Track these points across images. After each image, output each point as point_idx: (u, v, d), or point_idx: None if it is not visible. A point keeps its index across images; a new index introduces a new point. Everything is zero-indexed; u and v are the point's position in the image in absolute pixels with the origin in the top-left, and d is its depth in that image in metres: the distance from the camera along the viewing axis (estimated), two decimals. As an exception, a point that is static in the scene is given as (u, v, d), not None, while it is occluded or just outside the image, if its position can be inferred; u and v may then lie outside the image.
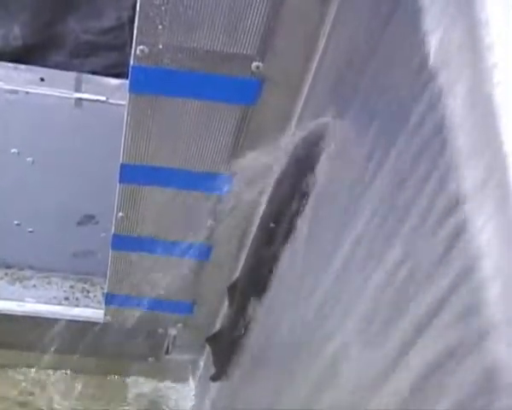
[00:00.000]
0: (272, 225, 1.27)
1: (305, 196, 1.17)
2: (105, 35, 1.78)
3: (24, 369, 2.06)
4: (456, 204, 0.64)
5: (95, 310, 1.94)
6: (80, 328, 1.91)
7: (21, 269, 2.02)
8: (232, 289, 1.51)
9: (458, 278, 0.64)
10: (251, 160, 1.23)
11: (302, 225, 1.19)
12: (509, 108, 0.58)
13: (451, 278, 0.65)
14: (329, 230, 1.03)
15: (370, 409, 0.81)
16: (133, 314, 1.80)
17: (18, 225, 1.88)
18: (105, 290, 1.77)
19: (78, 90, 1.59)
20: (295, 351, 1.16)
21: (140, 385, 2.11)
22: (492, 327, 0.57)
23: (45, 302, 1.96)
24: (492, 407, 0.56)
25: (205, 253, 1.61)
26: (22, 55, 1.63)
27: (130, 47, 1.22)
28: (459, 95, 0.65)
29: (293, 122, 1.30)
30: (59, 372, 2.07)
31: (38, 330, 1.94)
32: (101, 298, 1.97)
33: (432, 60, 0.70)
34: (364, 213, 0.88)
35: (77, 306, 1.98)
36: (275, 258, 1.30)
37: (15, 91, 1.57)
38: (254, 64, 1.23)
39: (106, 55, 1.78)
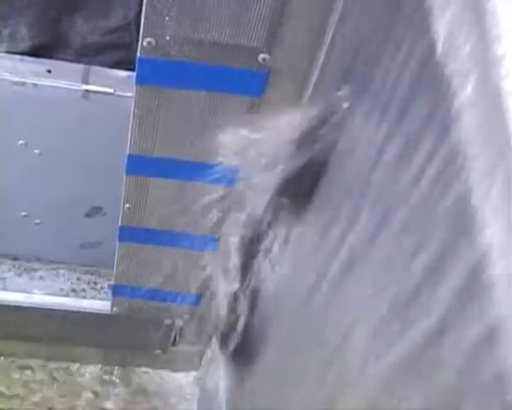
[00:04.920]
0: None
1: (311, 191, 1.17)
2: (112, 34, 1.78)
3: (31, 360, 2.07)
4: (462, 196, 0.64)
5: (102, 302, 1.94)
6: (87, 319, 1.92)
7: (28, 261, 2.03)
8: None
9: (466, 272, 0.64)
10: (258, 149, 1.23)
11: (311, 212, 1.18)
12: (517, 100, 0.58)
13: (459, 272, 0.65)
14: (338, 218, 1.03)
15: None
16: (140, 306, 1.80)
17: (25, 216, 1.88)
18: (112, 282, 1.78)
19: (85, 82, 1.59)
20: (302, 334, 1.16)
21: (146, 377, 2.12)
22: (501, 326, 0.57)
23: (52, 294, 1.97)
24: None
25: (212, 245, 1.61)
26: (29, 55, 1.63)
27: (137, 45, 1.22)
28: (466, 86, 0.64)
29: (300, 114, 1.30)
30: (65, 363, 2.08)
31: (45, 322, 1.95)
32: (108, 289, 1.98)
33: (439, 51, 0.70)
34: (371, 204, 0.89)
35: (84, 297, 1.98)
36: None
37: (22, 83, 1.57)
38: (261, 56, 1.23)
39: (112, 53, 1.79)
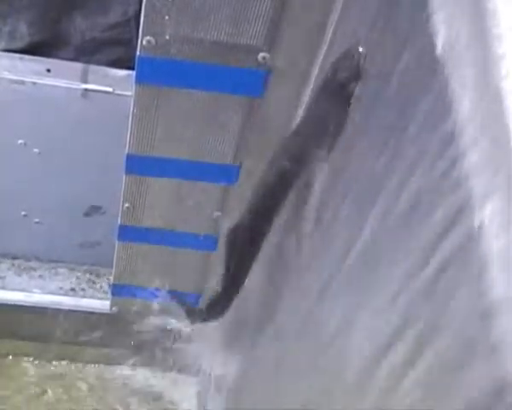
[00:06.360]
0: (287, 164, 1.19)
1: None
2: (111, 31, 1.78)
3: (31, 359, 2.06)
4: (462, 197, 0.64)
5: (101, 301, 1.94)
6: (86, 319, 1.92)
7: (28, 260, 2.03)
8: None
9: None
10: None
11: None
12: (517, 99, 0.57)
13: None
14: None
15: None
16: (139, 305, 1.80)
17: (25, 216, 1.88)
18: (111, 281, 1.78)
19: (84, 81, 1.59)
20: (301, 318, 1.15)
21: (146, 376, 2.12)
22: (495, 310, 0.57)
23: (52, 293, 1.97)
24: None
25: (211, 244, 1.61)
26: (28, 53, 1.63)
27: (136, 42, 1.22)
28: (467, 86, 0.64)
29: (301, 112, 1.30)
30: (65, 363, 2.08)
31: (45, 321, 1.95)
32: (107, 289, 1.98)
33: (439, 50, 0.70)
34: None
35: (83, 296, 1.98)
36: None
37: (22, 82, 1.57)
38: (261, 55, 1.22)
39: (112, 50, 1.79)
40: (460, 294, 0.64)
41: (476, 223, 0.60)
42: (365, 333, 0.87)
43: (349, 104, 1.02)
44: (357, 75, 0.99)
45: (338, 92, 1.03)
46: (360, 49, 0.98)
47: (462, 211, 0.64)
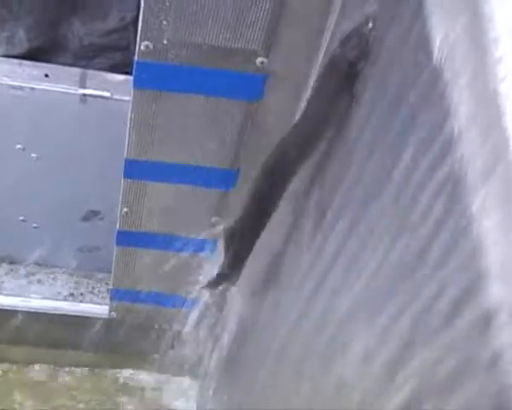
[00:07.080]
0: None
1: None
2: (109, 36, 1.79)
3: (28, 365, 2.06)
4: (460, 199, 0.64)
5: (99, 306, 1.94)
6: (85, 324, 1.92)
7: (26, 265, 2.02)
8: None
9: (460, 272, 0.64)
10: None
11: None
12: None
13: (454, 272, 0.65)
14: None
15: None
16: (138, 310, 1.80)
17: (23, 220, 1.88)
18: (110, 286, 1.78)
19: (82, 86, 1.59)
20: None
21: (144, 380, 2.11)
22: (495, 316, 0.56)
23: (50, 298, 1.96)
24: None
25: (209, 248, 1.61)
26: (27, 58, 1.64)
27: (135, 47, 1.22)
28: (464, 90, 0.64)
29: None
30: (63, 367, 2.08)
31: (43, 326, 1.95)
32: (105, 294, 1.97)
33: (436, 55, 0.70)
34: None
35: (82, 301, 1.98)
36: None
37: (20, 87, 1.57)
38: (259, 59, 1.23)
39: (110, 56, 1.79)
40: (458, 303, 0.64)
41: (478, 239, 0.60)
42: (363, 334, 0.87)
43: (354, 84, 0.98)
44: (364, 54, 0.96)
45: (345, 71, 1.00)
46: (369, 25, 0.95)
47: (460, 215, 0.64)
